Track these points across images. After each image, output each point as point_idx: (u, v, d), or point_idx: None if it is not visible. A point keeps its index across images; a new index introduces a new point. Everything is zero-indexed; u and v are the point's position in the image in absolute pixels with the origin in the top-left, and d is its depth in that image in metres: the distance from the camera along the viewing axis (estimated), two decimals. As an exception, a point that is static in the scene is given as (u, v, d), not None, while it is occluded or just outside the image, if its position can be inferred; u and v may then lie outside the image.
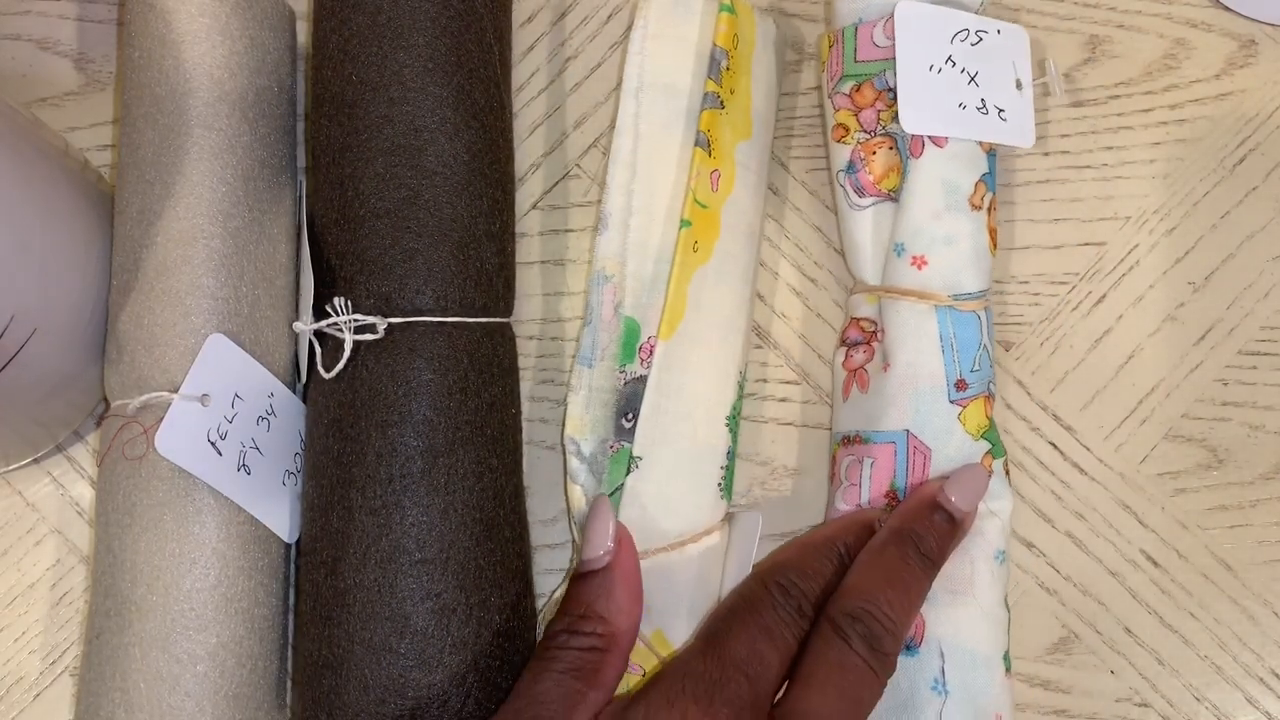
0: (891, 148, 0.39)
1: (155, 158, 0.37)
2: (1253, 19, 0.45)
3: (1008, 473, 0.38)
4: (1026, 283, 0.43)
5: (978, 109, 0.38)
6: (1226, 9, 0.45)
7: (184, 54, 0.37)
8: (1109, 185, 0.44)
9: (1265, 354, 0.43)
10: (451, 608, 0.34)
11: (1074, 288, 0.43)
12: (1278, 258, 0.43)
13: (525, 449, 0.41)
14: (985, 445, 0.37)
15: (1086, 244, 0.43)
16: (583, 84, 0.45)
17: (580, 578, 0.34)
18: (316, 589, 0.36)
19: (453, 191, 0.37)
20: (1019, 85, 0.39)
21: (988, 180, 0.38)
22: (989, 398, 0.38)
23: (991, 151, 0.39)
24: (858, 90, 0.39)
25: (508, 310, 0.39)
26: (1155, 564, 0.41)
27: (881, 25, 0.38)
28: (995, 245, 0.39)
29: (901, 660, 0.36)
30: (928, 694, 0.35)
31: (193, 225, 0.36)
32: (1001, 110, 0.38)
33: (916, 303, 0.38)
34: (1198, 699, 0.41)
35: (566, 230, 0.44)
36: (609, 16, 0.45)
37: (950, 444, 0.37)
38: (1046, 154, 0.44)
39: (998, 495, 0.37)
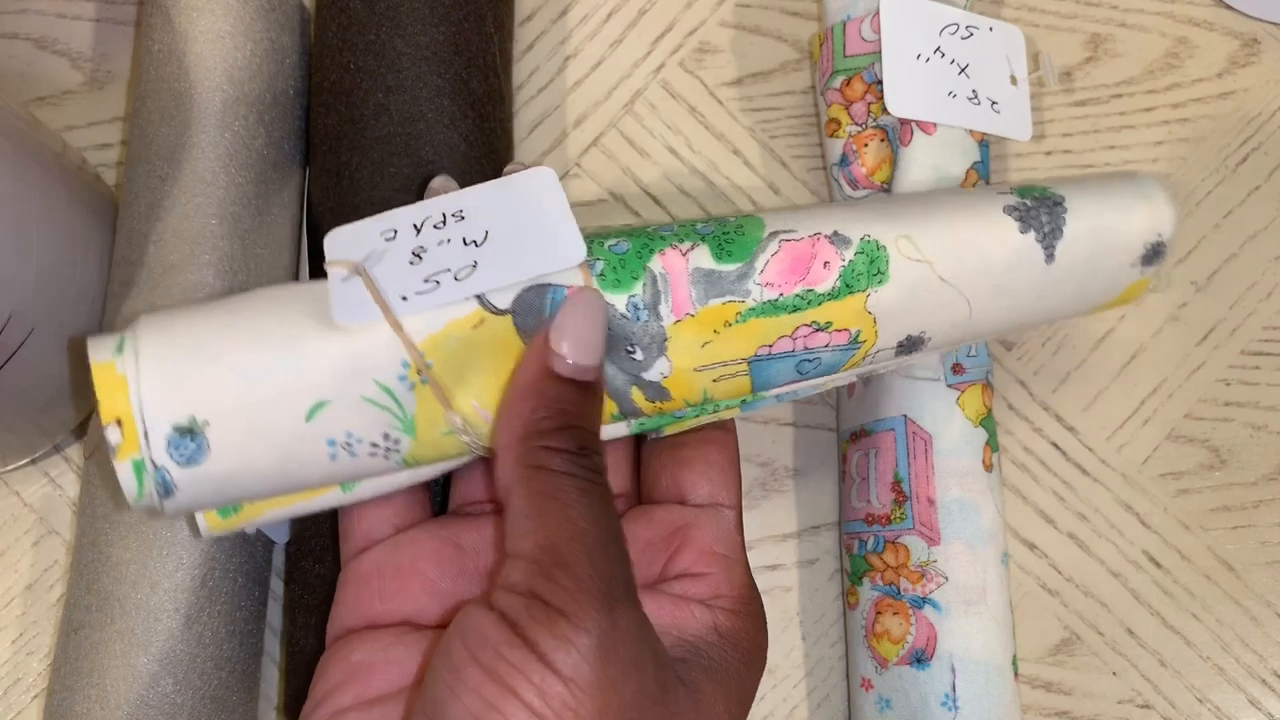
0: (883, 139, 0.39)
1: (170, 153, 0.36)
2: (1255, 18, 0.44)
3: (1000, 469, 0.38)
4: (1028, 282, 0.43)
5: (969, 99, 0.38)
6: (1229, 8, 0.44)
7: (206, 52, 0.37)
8: (1111, 184, 0.44)
9: (1268, 354, 0.42)
10: None
11: (1076, 287, 0.43)
12: (1280, 257, 0.43)
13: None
14: (984, 434, 0.37)
15: (1088, 243, 0.43)
16: (583, 82, 0.44)
17: (569, 386, 0.27)
18: (306, 576, 0.36)
19: None
20: (1014, 80, 0.39)
21: (980, 169, 0.39)
22: (987, 387, 0.38)
23: (984, 141, 0.39)
24: (848, 84, 0.39)
25: None
26: (1158, 565, 0.41)
27: (869, 20, 0.39)
28: None
29: (912, 673, 0.36)
30: (938, 710, 0.35)
31: (203, 225, 0.36)
32: (995, 102, 0.39)
33: None
34: (1200, 700, 0.40)
35: (566, 230, 0.43)
36: (609, 15, 0.45)
37: (951, 429, 0.37)
38: (1049, 153, 0.44)
39: (994, 489, 0.37)
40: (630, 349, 0.29)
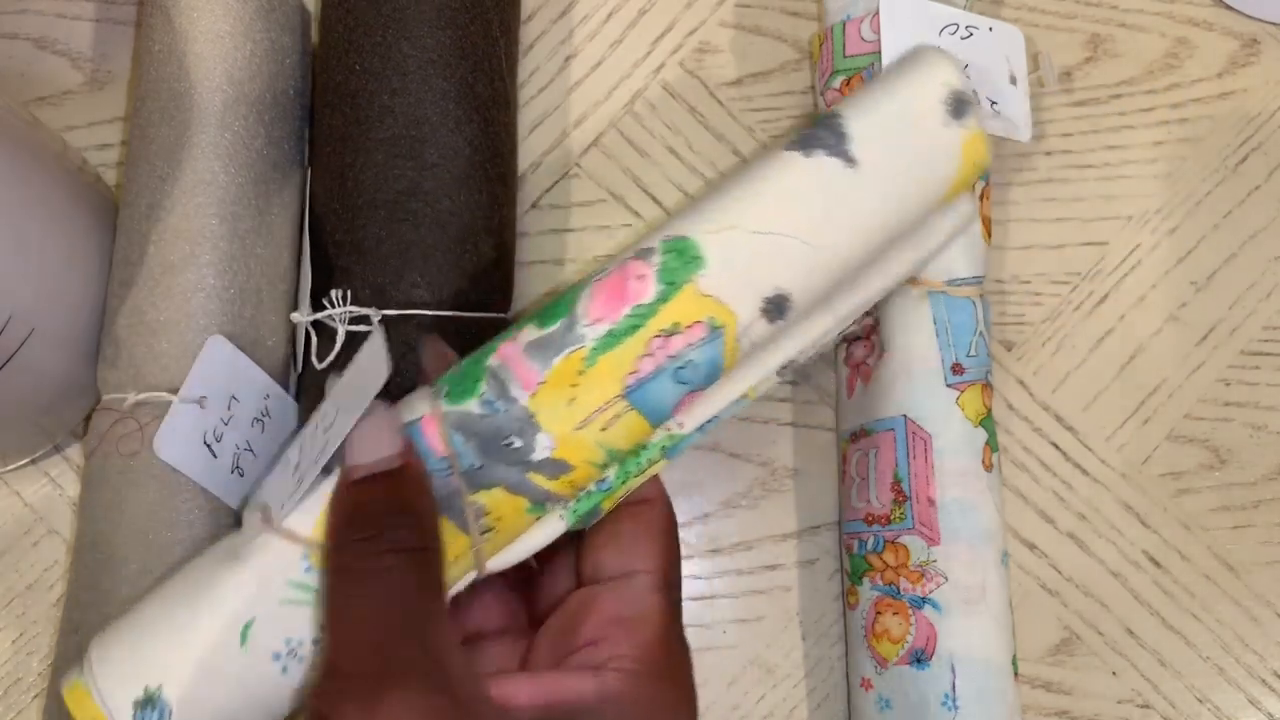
0: None
1: (169, 153, 0.36)
2: (1255, 18, 0.44)
3: (1000, 469, 0.38)
4: (1028, 282, 0.43)
5: None
6: (1229, 8, 0.44)
7: (206, 52, 0.37)
8: (1111, 184, 0.44)
9: (1268, 354, 0.42)
10: None
11: (1076, 287, 0.43)
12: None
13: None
14: (984, 434, 0.37)
15: (1088, 243, 0.43)
16: (583, 82, 0.44)
17: (363, 482, 0.27)
18: None
19: (452, 185, 0.37)
20: (1013, 81, 0.39)
21: None
22: (987, 387, 0.38)
23: None
24: (848, 84, 0.40)
25: (504, 306, 0.39)
26: (1157, 565, 0.41)
27: (869, 20, 0.39)
28: (989, 233, 0.39)
29: (912, 673, 0.36)
30: (938, 710, 0.35)
31: (202, 224, 0.36)
32: (994, 103, 0.39)
33: (910, 289, 0.38)
34: (1200, 700, 0.40)
35: (566, 230, 0.43)
36: (609, 15, 0.45)
37: (950, 429, 0.37)
38: (1048, 153, 0.44)
39: (994, 489, 0.37)
40: (507, 441, 0.29)
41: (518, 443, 0.29)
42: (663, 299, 0.30)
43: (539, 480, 0.30)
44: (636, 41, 0.45)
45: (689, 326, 0.30)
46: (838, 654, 0.41)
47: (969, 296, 0.38)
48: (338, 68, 0.38)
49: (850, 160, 0.31)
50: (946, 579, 0.36)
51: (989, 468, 0.37)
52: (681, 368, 0.30)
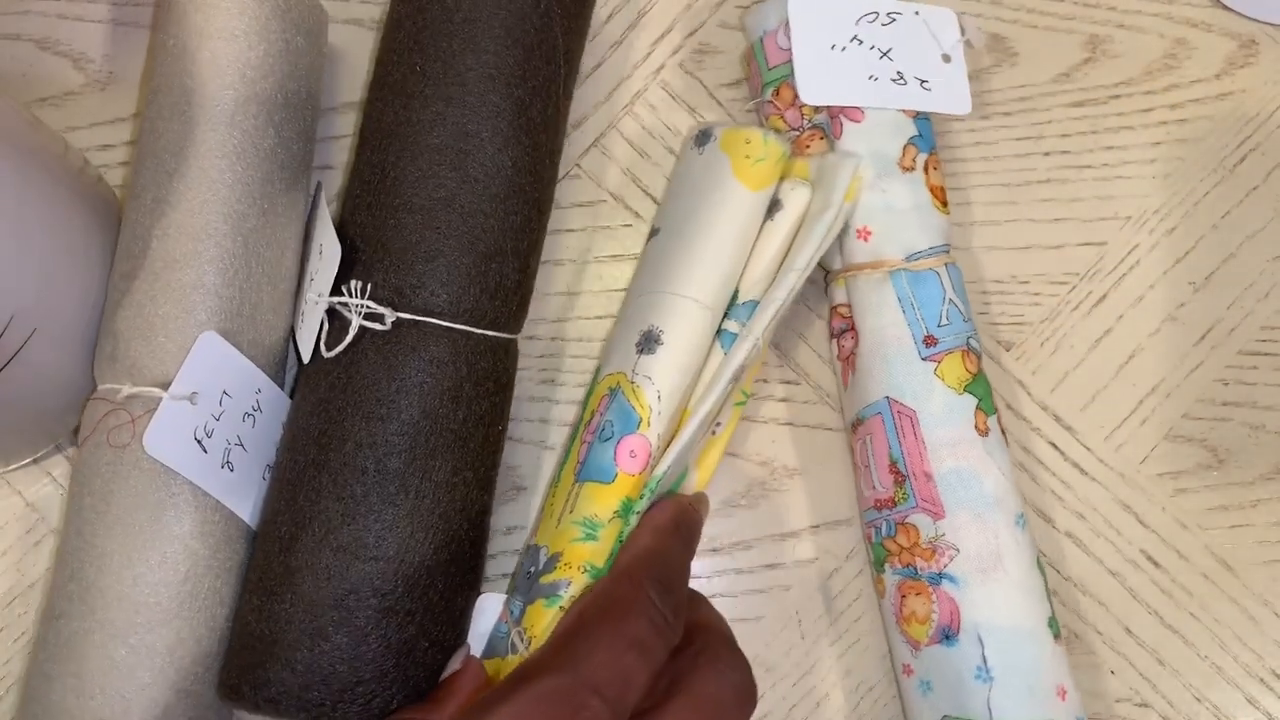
0: (822, 137, 0.39)
1: (178, 149, 0.37)
2: (1253, 19, 0.45)
3: (1004, 431, 0.38)
4: (1027, 282, 0.43)
5: (893, 80, 0.39)
6: (1227, 9, 0.45)
7: (220, 50, 0.37)
8: (1109, 185, 0.44)
9: (1265, 354, 0.43)
10: (394, 610, 0.34)
11: (1074, 288, 0.43)
12: (1278, 258, 0.43)
13: (526, 449, 0.42)
14: (972, 399, 0.37)
15: (1087, 244, 0.43)
16: (583, 83, 0.44)
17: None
18: (267, 561, 0.35)
19: (489, 202, 0.37)
20: (947, 59, 0.40)
21: (918, 142, 0.39)
22: (968, 352, 0.38)
23: (921, 116, 0.40)
24: (777, 94, 0.40)
25: (516, 328, 0.39)
26: (1155, 564, 0.41)
27: (783, 29, 0.40)
28: (945, 203, 0.39)
29: (943, 651, 0.36)
30: (973, 684, 0.35)
31: (206, 222, 0.36)
32: (924, 81, 0.40)
33: (871, 273, 0.38)
34: (1198, 699, 0.40)
35: (567, 230, 0.44)
36: (609, 16, 0.45)
37: (933, 400, 0.37)
38: (1047, 154, 0.44)
39: (995, 453, 0.37)
40: (528, 574, 0.36)
41: (532, 568, 0.35)
42: (585, 405, 0.37)
43: (546, 579, 0.35)
44: (636, 43, 0.45)
45: (598, 404, 0.37)
46: (837, 653, 0.41)
47: (932, 268, 0.38)
48: (399, 64, 0.38)
49: (655, 232, 0.39)
50: (958, 551, 0.36)
51: (984, 432, 0.37)
52: (601, 430, 0.36)
